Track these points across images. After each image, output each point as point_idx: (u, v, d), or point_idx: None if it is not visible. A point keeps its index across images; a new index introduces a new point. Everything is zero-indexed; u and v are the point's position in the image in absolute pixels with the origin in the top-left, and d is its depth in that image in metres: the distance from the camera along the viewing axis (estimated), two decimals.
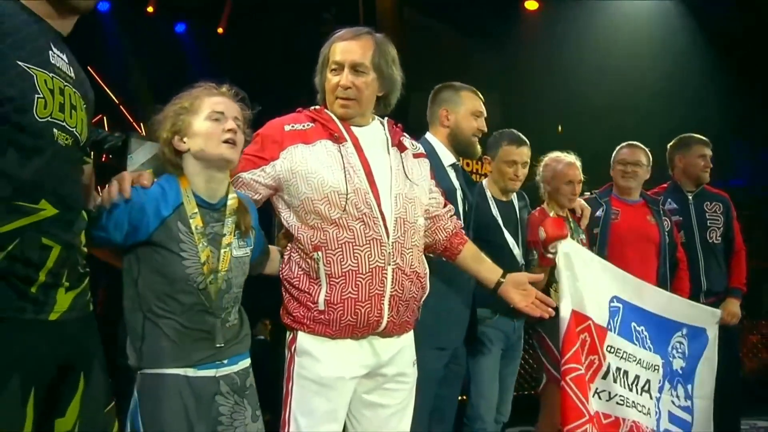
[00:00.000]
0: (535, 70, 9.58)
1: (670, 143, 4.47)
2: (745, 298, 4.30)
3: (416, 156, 2.58)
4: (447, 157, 3.18)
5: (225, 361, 2.10)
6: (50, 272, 1.65)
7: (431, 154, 3.00)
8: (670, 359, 3.60)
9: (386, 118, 2.55)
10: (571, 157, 3.81)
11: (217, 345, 2.07)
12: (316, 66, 2.51)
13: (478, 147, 3.27)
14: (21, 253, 1.59)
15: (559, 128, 9.85)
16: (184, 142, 2.11)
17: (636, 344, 3.45)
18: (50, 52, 1.71)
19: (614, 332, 3.37)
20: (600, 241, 3.86)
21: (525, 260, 3.52)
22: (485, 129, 3.26)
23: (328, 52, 2.45)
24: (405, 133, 2.58)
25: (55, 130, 1.67)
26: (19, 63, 1.61)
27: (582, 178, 3.80)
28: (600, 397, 3.30)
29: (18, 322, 1.59)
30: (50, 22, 1.74)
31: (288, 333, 2.36)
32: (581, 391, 3.25)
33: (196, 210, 2.07)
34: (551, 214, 3.71)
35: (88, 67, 9.03)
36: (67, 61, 1.76)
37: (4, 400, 1.56)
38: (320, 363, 2.28)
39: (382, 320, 2.30)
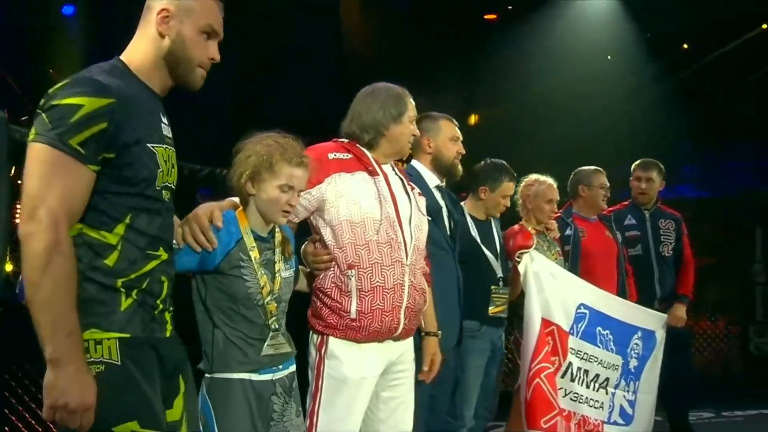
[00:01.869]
0: (497, 78, 10.10)
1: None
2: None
3: (420, 195, 3.14)
4: (432, 180, 3.63)
5: (280, 366, 2.56)
6: (163, 301, 2.11)
7: (418, 178, 3.53)
8: (628, 359, 4.25)
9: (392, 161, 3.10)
10: (550, 179, 4.36)
11: (278, 352, 2.53)
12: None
13: (460, 169, 3.72)
14: (150, 288, 2.05)
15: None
16: (253, 188, 2.53)
17: (599, 346, 4.08)
18: (161, 124, 2.10)
19: (576, 336, 4.00)
20: (572, 258, 4.46)
21: (504, 274, 4.03)
22: (463, 151, 3.70)
23: (407, 105, 3.00)
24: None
25: (164, 191, 2.10)
26: (149, 145, 2.01)
27: (558, 198, 4.35)
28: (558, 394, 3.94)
29: (152, 339, 2.05)
30: (159, 93, 2.12)
31: (316, 336, 2.86)
32: (552, 388, 3.87)
33: (254, 244, 2.53)
34: (529, 229, 4.25)
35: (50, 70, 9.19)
36: (167, 124, 2.13)
37: (156, 396, 2.02)
38: (348, 365, 2.79)
39: (399, 327, 2.85)
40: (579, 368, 4.02)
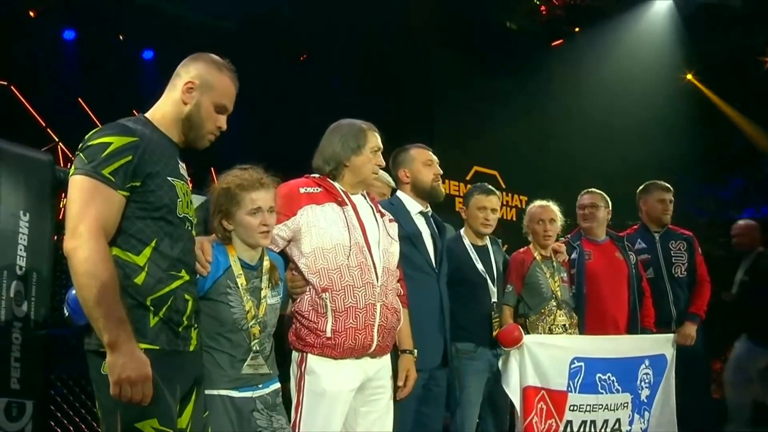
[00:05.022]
0: (558, 103, 10.27)
1: (639, 189, 5.22)
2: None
3: (391, 221, 3.44)
4: (414, 207, 3.88)
5: (260, 385, 2.86)
6: (188, 317, 2.50)
7: (400, 207, 3.83)
8: (639, 392, 4.36)
9: (364, 191, 3.42)
10: (545, 202, 4.53)
11: (256, 372, 2.83)
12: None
13: (441, 189, 3.94)
14: (175, 306, 2.44)
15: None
16: (230, 224, 2.88)
17: (602, 392, 4.20)
18: (179, 164, 2.55)
19: (575, 392, 4.12)
20: (577, 281, 4.56)
21: (498, 297, 4.25)
22: (440, 172, 3.92)
23: (366, 138, 3.31)
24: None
25: (186, 221, 2.51)
26: (168, 178, 2.44)
27: (554, 218, 4.49)
28: None
29: (176, 353, 2.44)
30: (177, 143, 2.58)
31: (296, 354, 3.18)
32: None
33: (241, 272, 2.85)
34: (535, 254, 4.45)
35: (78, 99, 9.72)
36: (183, 166, 2.58)
37: (174, 402, 2.40)
38: (326, 380, 3.09)
39: (372, 344, 3.14)
40: (583, 422, 4.13)
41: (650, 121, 9.59)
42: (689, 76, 11.03)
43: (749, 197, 11.09)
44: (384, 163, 3.43)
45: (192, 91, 2.54)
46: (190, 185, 2.62)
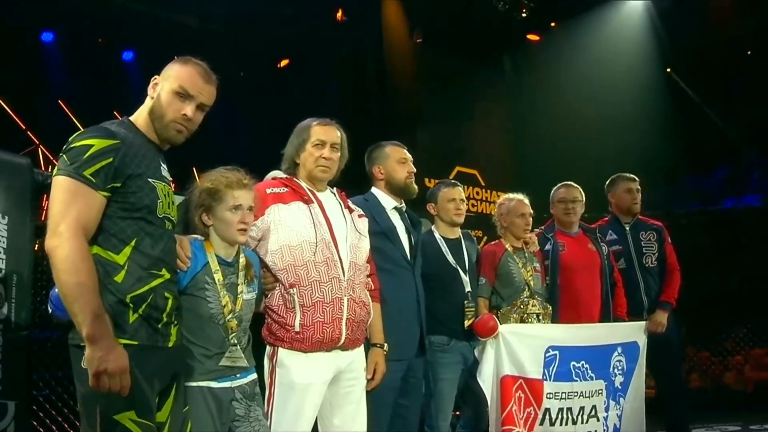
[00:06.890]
0: (539, 95, 10.39)
1: (606, 183, 5.36)
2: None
3: (360, 216, 3.54)
4: (389, 203, 3.99)
5: (238, 375, 2.95)
6: (168, 314, 2.60)
7: (375, 203, 3.94)
8: (612, 378, 4.45)
9: (335, 188, 3.52)
10: (520, 196, 4.67)
11: (234, 365, 2.92)
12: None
13: (414, 187, 4.05)
14: (155, 303, 2.54)
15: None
16: (210, 220, 2.99)
17: (576, 380, 4.30)
18: (161, 166, 2.65)
19: (550, 380, 4.21)
20: (551, 272, 4.68)
21: (472, 287, 4.34)
22: (414, 170, 4.03)
23: (309, 132, 3.41)
24: (348, 200, 3.57)
25: (166, 221, 2.62)
26: (149, 180, 2.54)
27: (531, 212, 4.63)
28: None
29: (154, 348, 2.53)
30: (158, 144, 2.67)
31: (268, 348, 3.28)
32: None
33: (218, 268, 2.95)
34: (507, 246, 4.56)
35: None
36: (165, 168, 2.68)
37: (152, 395, 2.50)
38: (296, 373, 3.19)
39: (341, 337, 3.24)
40: (560, 409, 4.22)
41: (631, 115, 9.70)
42: (669, 70, 11.17)
43: (731, 187, 11.26)
44: (332, 156, 3.41)
45: (156, 86, 2.66)
46: (173, 186, 2.71)
